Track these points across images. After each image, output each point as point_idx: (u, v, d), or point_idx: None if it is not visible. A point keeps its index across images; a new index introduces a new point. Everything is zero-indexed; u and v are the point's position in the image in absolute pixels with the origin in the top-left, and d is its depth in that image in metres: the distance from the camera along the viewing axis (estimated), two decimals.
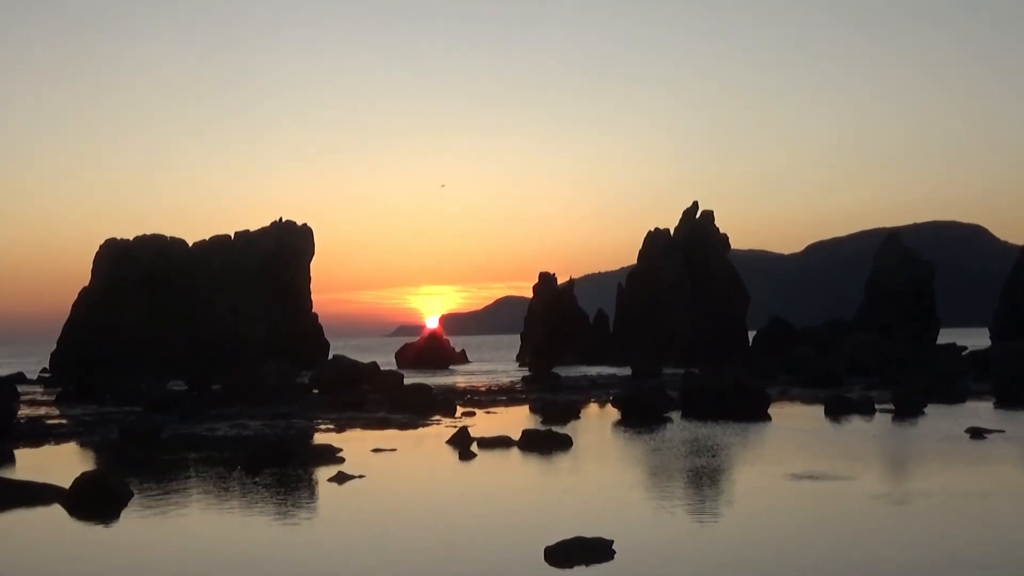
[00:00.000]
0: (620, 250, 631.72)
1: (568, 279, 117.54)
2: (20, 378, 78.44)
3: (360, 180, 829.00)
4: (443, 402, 45.21)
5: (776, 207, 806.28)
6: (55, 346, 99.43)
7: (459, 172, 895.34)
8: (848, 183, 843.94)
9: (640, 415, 37.80)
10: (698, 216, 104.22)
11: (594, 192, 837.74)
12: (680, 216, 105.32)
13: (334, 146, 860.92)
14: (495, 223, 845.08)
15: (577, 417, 38.42)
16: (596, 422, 37.97)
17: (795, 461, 24.27)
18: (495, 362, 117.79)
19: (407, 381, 55.76)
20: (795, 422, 35.36)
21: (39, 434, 34.34)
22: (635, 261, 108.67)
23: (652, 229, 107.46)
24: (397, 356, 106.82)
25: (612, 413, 40.16)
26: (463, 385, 64.87)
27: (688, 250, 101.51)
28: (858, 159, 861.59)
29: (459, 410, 42.82)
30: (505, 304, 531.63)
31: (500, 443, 28.88)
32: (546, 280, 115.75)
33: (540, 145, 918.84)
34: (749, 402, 38.71)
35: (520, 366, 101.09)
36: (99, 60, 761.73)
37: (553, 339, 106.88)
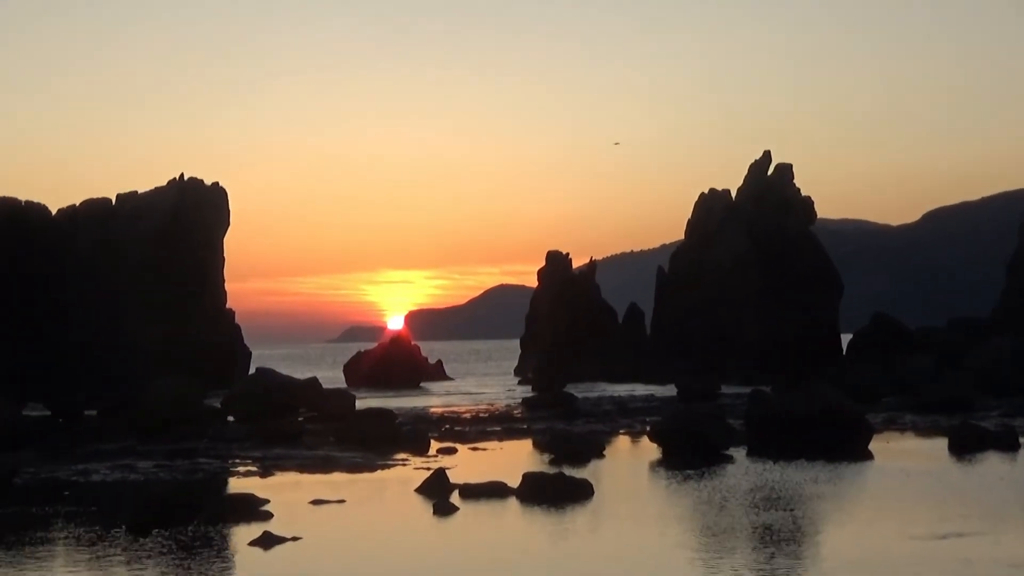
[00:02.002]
0: (660, 221, 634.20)
1: (588, 261, 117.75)
2: None
3: (293, 125, 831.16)
4: (411, 434, 45.16)
5: (881, 162, 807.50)
6: None
7: (434, 114, 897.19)
8: (980, 130, 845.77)
9: (689, 452, 37.75)
10: (771, 172, 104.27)
11: (624, 141, 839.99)
12: (745, 172, 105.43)
13: (256, 79, 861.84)
14: (485, 185, 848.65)
15: (600, 455, 38.43)
16: (627, 462, 38.03)
17: (909, 516, 24.34)
18: (485, 377, 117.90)
19: (361, 405, 55.73)
20: (908, 461, 35.41)
21: None
22: (682, 236, 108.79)
23: (706, 191, 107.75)
24: (346, 370, 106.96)
25: (650, 450, 40.21)
26: (440, 410, 64.89)
27: (757, 220, 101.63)
28: (993, 97, 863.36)
29: (434, 446, 42.78)
30: (499, 296, 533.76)
31: (492, 492, 28.91)
32: (556, 262, 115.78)
33: (547, 76, 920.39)
34: (843, 434, 38.68)
35: (520, 383, 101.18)
36: None
37: (566, 345, 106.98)
